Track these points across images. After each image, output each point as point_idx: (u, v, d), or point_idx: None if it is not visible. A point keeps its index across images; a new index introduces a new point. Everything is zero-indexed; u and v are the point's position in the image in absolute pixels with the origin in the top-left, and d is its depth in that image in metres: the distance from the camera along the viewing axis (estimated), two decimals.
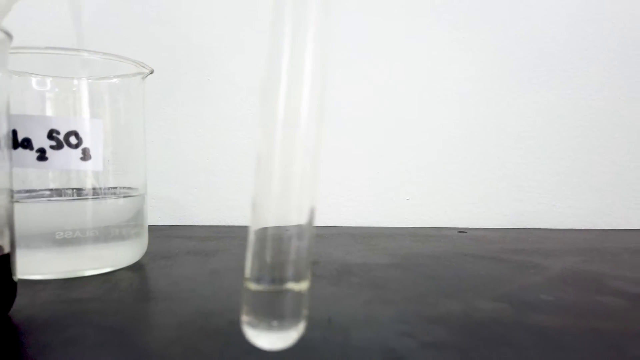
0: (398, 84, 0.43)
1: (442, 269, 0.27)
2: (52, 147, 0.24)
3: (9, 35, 0.19)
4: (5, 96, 0.19)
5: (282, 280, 0.12)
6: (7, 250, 0.19)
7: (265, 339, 0.12)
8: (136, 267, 0.27)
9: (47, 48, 0.24)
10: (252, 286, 0.12)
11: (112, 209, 0.26)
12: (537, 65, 0.43)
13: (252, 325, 0.12)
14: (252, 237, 0.13)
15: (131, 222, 0.27)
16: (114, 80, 0.26)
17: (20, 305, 0.20)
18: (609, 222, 0.42)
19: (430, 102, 0.43)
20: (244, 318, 0.12)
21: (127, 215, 0.27)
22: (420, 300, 0.21)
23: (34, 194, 0.25)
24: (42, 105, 0.25)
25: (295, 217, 0.13)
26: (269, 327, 0.12)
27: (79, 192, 0.26)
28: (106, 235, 0.26)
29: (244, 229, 0.39)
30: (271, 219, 0.13)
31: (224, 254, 0.30)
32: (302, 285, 0.12)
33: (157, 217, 0.42)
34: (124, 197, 0.27)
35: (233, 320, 0.18)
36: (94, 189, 0.26)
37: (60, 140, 0.24)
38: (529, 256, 0.30)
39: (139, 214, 0.28)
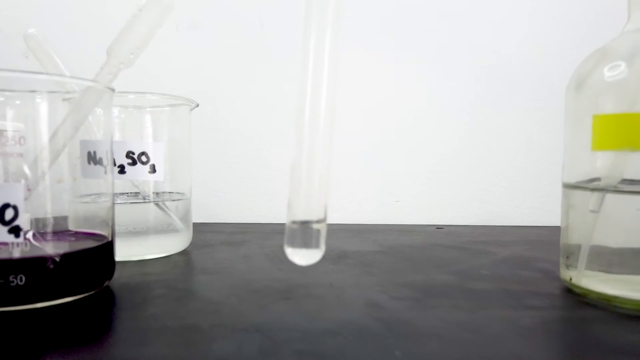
0: (390, 106, 0.51)
1: (416, 254, 0.36)
2: (129, 163, 0.32)
3: (113, 90, 0.27)
4: (110, 131, 0.28)
5: (309, 221, 0.19)
6: (110, 238, 0.27)
7: (298, 257, 0.19)
8: (185, 253, 0.35)
9: (125, 92, 0.33)
10: (291, 225, 0.19)
11: (165, 209, 0.35)
12: (504, 90, 0.51)
13: (291, 248, 0.19)
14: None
15: (181, 219, 0.36)
16: (169, 113, 0.35)
17: (113, 277, 0.29)
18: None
19: (414, 122, 0.51)
20: (285, 245, 0.20)
21: (179, 213, 0.36)
22: (395, 273, 0.30)
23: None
24: (120, 131, 0.34)
25: (316, 211, 0.19)
26: (301, 249, 0.20)
27: (145, 196, 0.34)
28: (163, 228, 0.35)
29: (261, 225, 0.48)
30: (300, 212, 0.19)
31: (249, 244, 0.39)
32: (321, 225, 0.20)
33: None
34: (177, 200, 0.36)
35: (267, 284, 0.27)
36: (156, 193, 0.35)
37: (134, 158, 0.32)
38: (485, 246, 0.39)
39: (187, 212, 0.36)
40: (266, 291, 0.26)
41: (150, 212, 0.35)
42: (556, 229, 0.49)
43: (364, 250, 0.37)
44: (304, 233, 0.19)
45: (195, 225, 0.48)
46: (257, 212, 0.51)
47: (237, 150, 0.51)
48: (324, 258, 0.33)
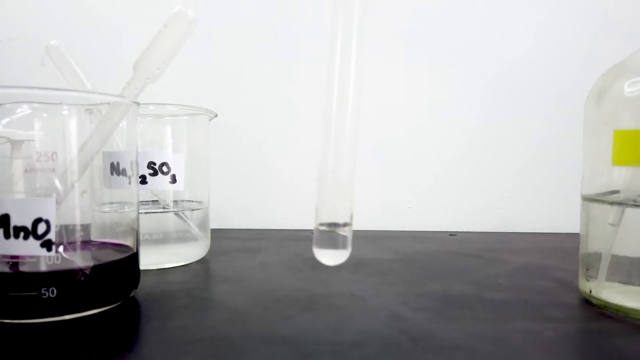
0: (400, 111, 0.52)
1: (432, 263, 0.36)
2: (150, 174, 0.33)
3: (138, 104, 0.28)
4: (134, 142, 0.28)
5: (336, 224, 0.20)
6: (135, 249, 0.28)
7: (326, 257, 0.20)
8: (204, 261, 0.36)
9: (146, 103, 0.33)
10: (319, 227, 0.20)
11: (184, 218, 0.35)
12: (515, 97, 0.51)
13: (319, 249, 0.20)
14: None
15: (200, 227, 0.36)
16: (189, 123, 0.36)
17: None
18: (574, 227, 0.51)
19: (427, 128, 0.52)
20: (314, 247, 0.20)
21: (197, 222, 0.36)
22: (413, 283, 0.30)
23: None
24: (140, 141, 0.34)
25: (342, 214, 0.20)
26: (329, 250, 0.20)
27: (165, 205, 0.35)
28: (182, 236, 0.35)
29: (274, 232, 0.49)
30: (327, 215, 0.20)
31: (265, 252, 0.39)
32: (348, 228, 0.21)
33: None
34: (196, 209, 0.36)
35: (288, 294, 0.28)
36: (175, 202, 0.35)
37: (156, 169, 0.33)
38: (500, 254, 0.39)
39: (205, 220, 0.37)
40: (289, 301, 0.26)
41: (169, 220, 0.35)
42: (569, 236, 0.49)
43: (380, 258, 0.37)
44: (331, 235, 0.20)
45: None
46: (268, 217, 0.52)
47: (247, 157, 0.52)
48: (342, 266, 0.34)
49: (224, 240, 0.44)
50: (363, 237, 0.46)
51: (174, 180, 0.34)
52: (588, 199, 0.27)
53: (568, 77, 0.51)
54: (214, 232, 0.48)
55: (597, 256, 0.26)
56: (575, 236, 0.49)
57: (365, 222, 0.51)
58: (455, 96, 0.52)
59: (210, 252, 0.38)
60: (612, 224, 0.25)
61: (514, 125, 0.52)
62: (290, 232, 0.48)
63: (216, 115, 0.36)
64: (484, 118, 0.52)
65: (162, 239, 0.34)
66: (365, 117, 0.51)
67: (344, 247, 0.21)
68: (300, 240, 0.44)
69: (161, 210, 0.35)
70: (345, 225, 0.20)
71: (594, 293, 0.26)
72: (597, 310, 0.25)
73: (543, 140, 0.52)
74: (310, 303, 0.26)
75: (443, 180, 0.52)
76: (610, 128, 0.25)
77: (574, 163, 0.51)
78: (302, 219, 0.50)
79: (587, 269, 0.27)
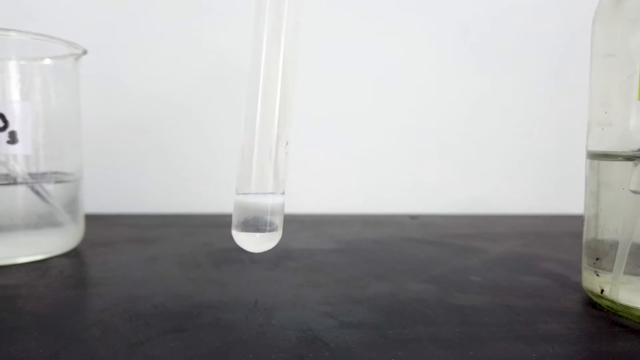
0: (351, 76, 0.42)
1: (383, 253, 0.27)
2: None
3: None
4: None
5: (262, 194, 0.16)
6: None
7: (247, 242, 0.16)
8: (71, 255, 0.26)
9: None
10: (239, 199, 0.16)
11: (43, 194, 0.25)
12: (484, 53, 0.43)
13: (238, 232, 0.16)
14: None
15: (67, 208, 0.26)
16: (45, 61, 0.25)
17: None
18: (559, 206, 0.43)
19: (383, 92, 0.43)
20: (233, 227, 0.16)
21: (63, 200, 0.26)
22: (351, 283, 0.21)
23: None
24: None
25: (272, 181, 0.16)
26: (252, 233, 0.16)
27: (7, 177, 0.25)
28: (40, 221, 0.25)
29: (190, 217, 0.39)
30: (252, 183, 0.16)
31: (165, 241, 0.30)
32: (278, 200, 0.16)
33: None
34: (56, 182, 0.26)
35: (160, 304, 0.18)
36: (30, 174, 0.25)
37: None
38: (472, 240, 0.31)
39: (74, 199, 0.27)
40: (153, 316, 0.17)
41: (18, 198, 0.25)
42: (555, 219, 0.42)
43: (314, 248, 0.28)
44: (255, 210, 0.16)
45: (108, 216, 0.38)
46: (182, 200, 0.42)
47: (156, 118, 0.42)
48: (259, 260, 0.25)
49: (117, 227, 0.34)
50: (299, 222, 0.36)
51: (13, 139, 0.24)
52: (598, 156, 0.19)
53: (540, 28, 0.43)
54: (107, 217, 0.38)
55: (613, 241, 0.18)
56: (562, 218, 0.41)
57: (305, 204, 0.42)
58: (419, 54, 0.43)
59: (86, 242, 0.28)
60: (635, 191, 0.17)
61: (483, 88, 0.43)
62: (208, 218, 0.38)
63: (85, 52, 0.26)
64: (450, 79, 0.43)
65: (8, 225, 0.24)
66: (309, 80, 0.42)
67: (272, 226, 0.16)
68: (219, 227, 0.35)
69: (5, 182, 0.25)
70: (274, 194, 0.16)
71: (607, 293, 0.18)
72: (612, 320, 0.17)
73: (520, 106, 0.43)
74: (184, 319, 0.17)
75: (401, 151, 0.43)
76: (637, 44, 0.17)
77: (561, 131, 0.43)
78: (227, 200, 0.40)
79: (597, 259, 0.18)
